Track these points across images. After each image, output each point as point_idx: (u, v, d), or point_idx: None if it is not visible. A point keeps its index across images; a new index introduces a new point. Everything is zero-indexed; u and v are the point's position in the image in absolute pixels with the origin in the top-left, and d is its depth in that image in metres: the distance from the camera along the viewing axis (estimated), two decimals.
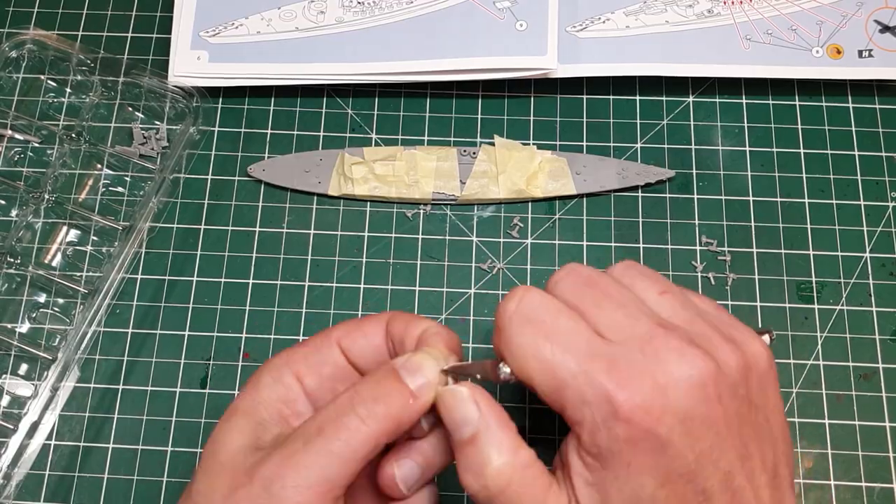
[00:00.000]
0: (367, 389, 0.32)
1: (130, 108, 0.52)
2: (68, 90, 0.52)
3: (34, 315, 0.48)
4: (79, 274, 0.49)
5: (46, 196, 0.48)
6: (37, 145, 0.51)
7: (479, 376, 0.33)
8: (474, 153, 0.50)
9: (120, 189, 0.50)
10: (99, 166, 0.51)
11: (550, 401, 0.31)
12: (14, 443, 0.44)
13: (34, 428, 0.44)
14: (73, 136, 0.49)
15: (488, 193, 0.49)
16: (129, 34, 0.54)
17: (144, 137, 0.51)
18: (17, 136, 0.51)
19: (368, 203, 0.50)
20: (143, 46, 0.54)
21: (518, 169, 0.50)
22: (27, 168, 0.51)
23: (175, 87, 0.50)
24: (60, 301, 0.48)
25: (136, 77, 0.51)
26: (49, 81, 0.52)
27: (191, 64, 0.51)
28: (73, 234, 0.49)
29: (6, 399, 0.46)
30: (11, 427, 0.44)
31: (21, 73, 0.52)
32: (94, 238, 0.49)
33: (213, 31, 0.52)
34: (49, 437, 0.46)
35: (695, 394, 0.30)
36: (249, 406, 0.34)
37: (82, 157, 0.50)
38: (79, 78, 0.52)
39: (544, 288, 0.34)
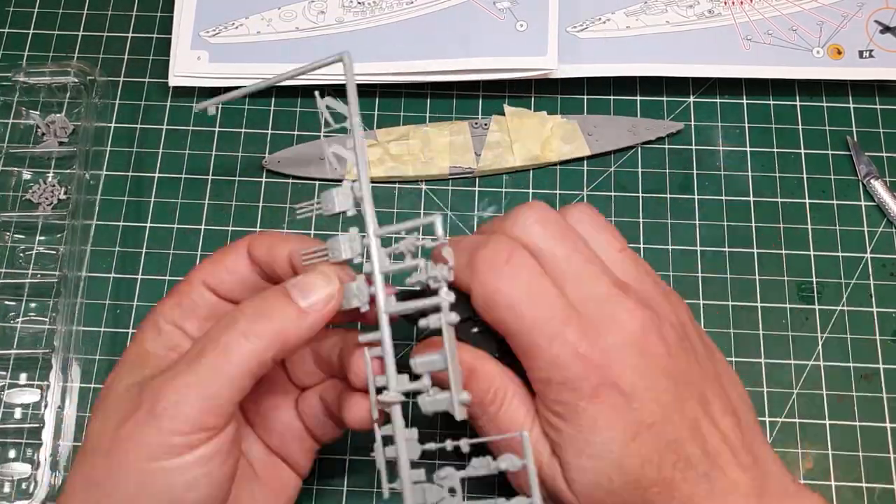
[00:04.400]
0: (251, 306, 0.32)
1: (25, 109, 0.52)
2: None
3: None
4: (42, 272, 0.48)
5: None
6: None
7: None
8: (486, 124, 0.51)
9: (45, 183, 0.50)
10: (17, 170, 0.51)
11: (520, 355, 0.33)
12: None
13: (38, 430, 0.45)
14: None
15: (504, 163, 0.50)
16: (130, 34, 0.54)
17: (49, 127, 0.51)
18: None
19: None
20: (143, 46, 0.54)
21: (531, 135, 0.50)
22: None
23: (55, 69, 0.51)
24: (33, 305, 0.48)
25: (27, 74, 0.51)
26: None
27: (191, 64, 0.51)
28: (21, 238, 0.49)
29: (7, 403, 0.46)
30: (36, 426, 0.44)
31: None
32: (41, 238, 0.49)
33: (213, 31, 0.52)
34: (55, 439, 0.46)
35: (649, 349, 0.33)
36: (135, 358, 0.34)
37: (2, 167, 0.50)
38: None
39: (512, 222, 0.35)
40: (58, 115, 0.51)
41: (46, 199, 0.50)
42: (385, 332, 0.32)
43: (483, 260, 0.33)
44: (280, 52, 0.51)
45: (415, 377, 0.32)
